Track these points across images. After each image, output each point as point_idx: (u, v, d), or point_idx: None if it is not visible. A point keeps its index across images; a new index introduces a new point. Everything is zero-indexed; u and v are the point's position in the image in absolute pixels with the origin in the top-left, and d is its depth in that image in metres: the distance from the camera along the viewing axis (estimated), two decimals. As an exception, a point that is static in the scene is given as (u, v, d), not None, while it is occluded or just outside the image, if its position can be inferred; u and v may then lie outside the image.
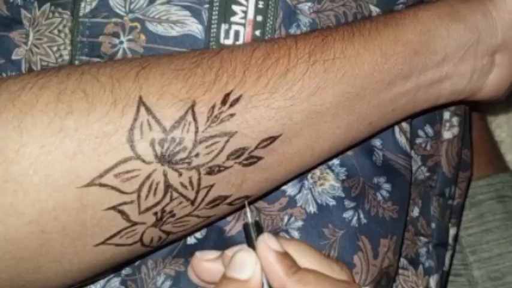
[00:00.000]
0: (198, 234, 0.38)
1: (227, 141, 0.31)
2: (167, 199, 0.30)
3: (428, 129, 0.46)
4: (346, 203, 0.39)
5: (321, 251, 0.37)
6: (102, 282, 0.37)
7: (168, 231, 0.32)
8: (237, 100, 0.31)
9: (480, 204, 0.58)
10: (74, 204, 0.29)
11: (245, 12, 0.37)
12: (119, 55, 0.36)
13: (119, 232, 0.30)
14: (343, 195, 0.39)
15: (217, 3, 0.37)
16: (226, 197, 0.33)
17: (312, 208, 0.38)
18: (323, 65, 0.33)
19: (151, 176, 0.29)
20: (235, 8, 0.37)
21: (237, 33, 0.37)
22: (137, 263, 0.37)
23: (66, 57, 0.36)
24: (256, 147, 0.32)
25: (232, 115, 0.31)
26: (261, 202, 0.38)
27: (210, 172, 0.31)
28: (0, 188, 0.28)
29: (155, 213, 0.31)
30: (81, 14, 0.36)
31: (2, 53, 0.36)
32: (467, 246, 0.58)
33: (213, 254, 0.34)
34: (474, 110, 0.64)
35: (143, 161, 0.29)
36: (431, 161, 0.46)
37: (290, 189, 0.38)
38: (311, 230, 0.38)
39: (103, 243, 0.30)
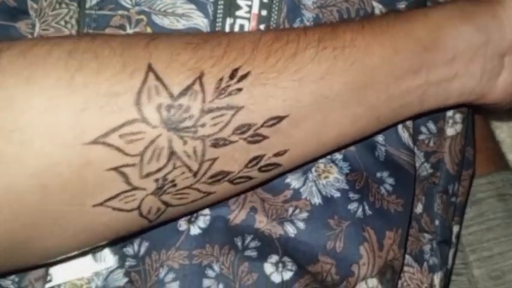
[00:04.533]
0: (202, 224, 0.38)
1: (233, 114, 0.31)
2: (170, 167, 0.30)
3: (431, 126, 0.46)
4: (351, 195, 0.39)
5: (326, 241, 0.37)
6: (105, 272, 0.37)
7: (167, 202, 0.32)
8: (245, 76, 0.31)
9: (481, 202, 0.58)
10: (77, 161, 0.29)
11: (250, 7, 0.38)
12: (125, 47, 0.36)
13: (118, 195, 0.30)
14: (347, 187, 0.39)
15: (223, -3, 0.37)
16: (228, 173, 0.32)
17: (317, 199, 0.38)
18: (332, 52, 0.33)
19: (156, 140, 0.30)
20: (240, 2, 0.37)
21: (241, 28, 0.38)
22: (141, 254, 0.37)
23: (72, 49, 0.36)
24: (262, 125, 0.32)
25: (239, 90, 0.31)
26: (264, 193, 0.38)
27: (215, 144, 0.31)
28: (7, 136, 0.28)
29: (156, 180, 0.31)
30: (87, 5, 0.36)
31: (8, 43, 0.36)
32: (468, 245, 0.58)
33: None
34: (477, 113, 0.64)
35: (149, 124, 0.29)
36: (435, 158, 0.46)
37: (294, 182, 0.39)
38: (316, 221, 0.38)
39: (101, 204, 0.30)
